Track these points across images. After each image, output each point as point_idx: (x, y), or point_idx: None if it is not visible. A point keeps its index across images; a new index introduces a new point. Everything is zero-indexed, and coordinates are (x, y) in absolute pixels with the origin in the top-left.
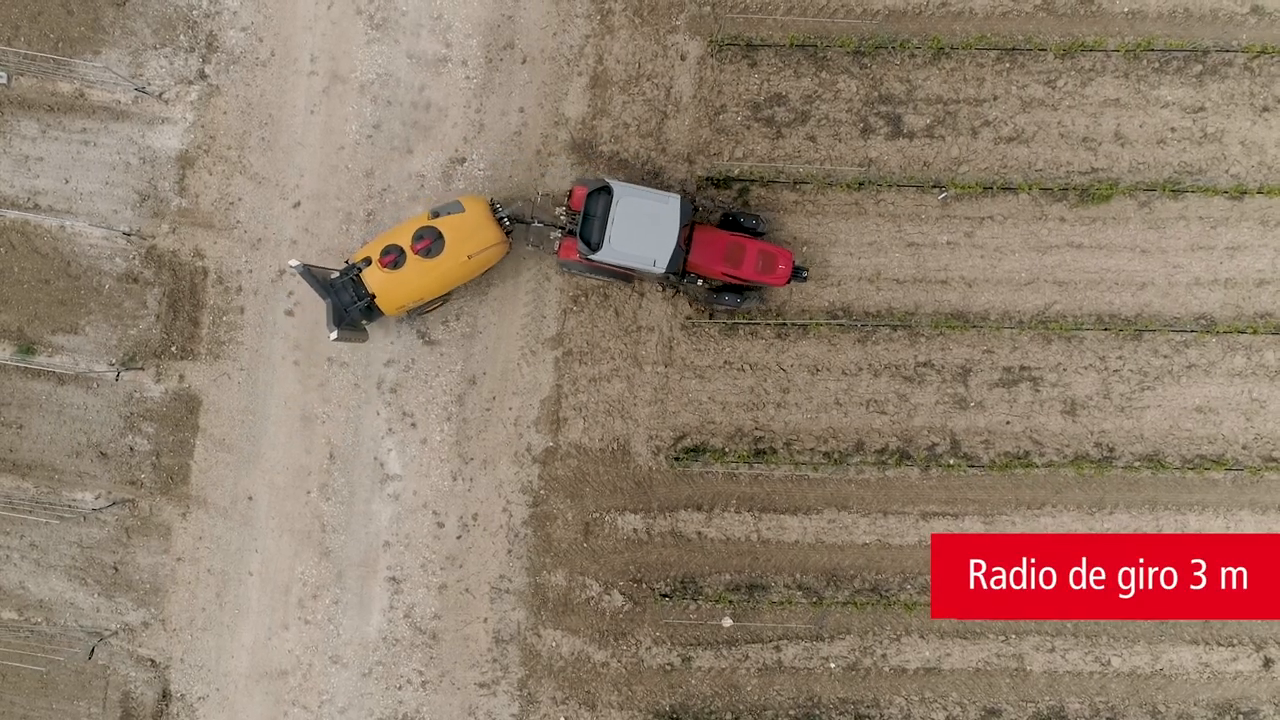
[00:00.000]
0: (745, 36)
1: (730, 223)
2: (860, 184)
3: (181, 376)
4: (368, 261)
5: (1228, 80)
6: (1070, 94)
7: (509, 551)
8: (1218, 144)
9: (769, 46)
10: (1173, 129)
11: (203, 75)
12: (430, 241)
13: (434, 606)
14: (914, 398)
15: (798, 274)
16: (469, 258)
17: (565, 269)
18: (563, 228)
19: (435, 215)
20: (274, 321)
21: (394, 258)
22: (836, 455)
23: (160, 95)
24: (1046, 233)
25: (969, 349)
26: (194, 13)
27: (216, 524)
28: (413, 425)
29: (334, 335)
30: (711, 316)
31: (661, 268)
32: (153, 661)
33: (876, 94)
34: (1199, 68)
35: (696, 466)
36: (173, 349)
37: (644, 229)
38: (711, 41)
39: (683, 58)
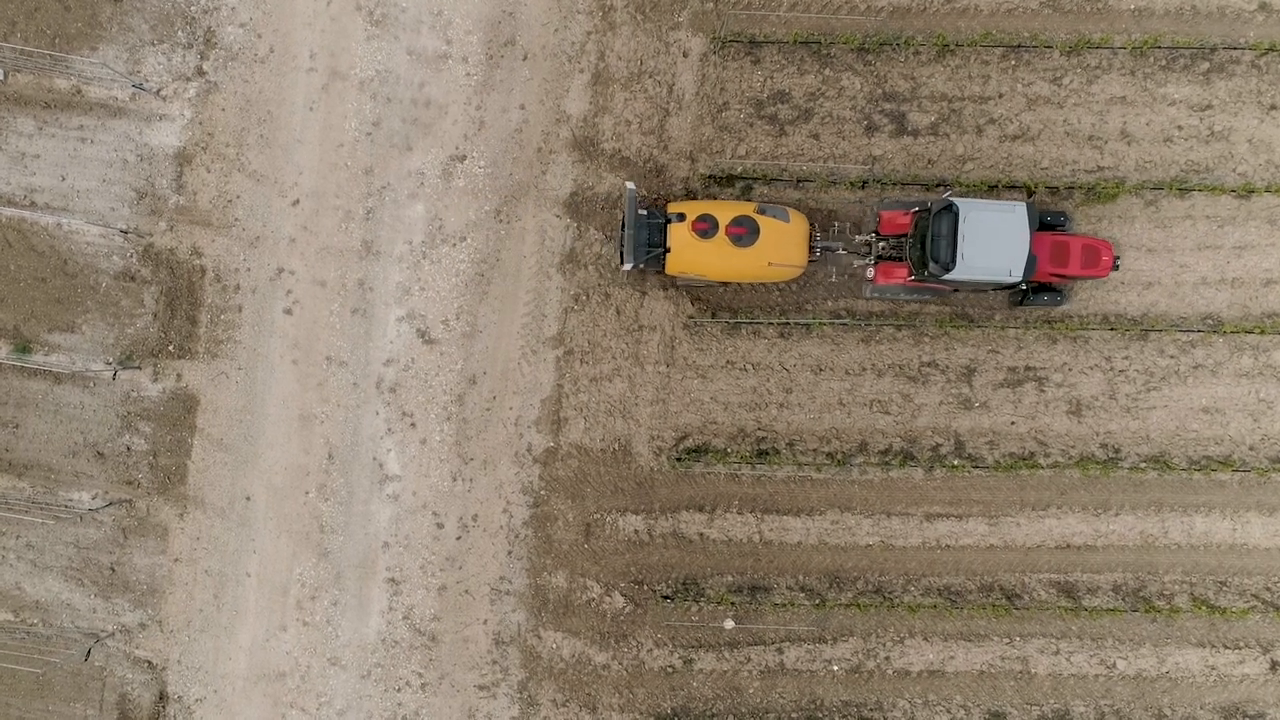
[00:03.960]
0: (748, 33)
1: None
2: (864, 182)
3: (179, 375)
4: (680, 217)
5: (1235, 78)
6: (1076, 92)
7: (509, 553)
8: (1225, 142)
9: (772, 43)
10: (1179, 127)
11: (201, 72)
12: (746, 231)
13: (433, 608)
14: (918, 398)
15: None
16: (769, 264)
17: (881, 294)
18: (877, 255)
19: (761, 211)
20: (272, 320)
21: (707, 227)
22: (840, 456)
23: (158, 92)
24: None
25: (973, 349)
26: (192, 9)
27: (214, 524)
28: (412, 425)
29: (629, 266)
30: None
31: (1018, 276)
32: (150, 663)
33: (881, 91)
34: (1206, 65)
35: (698, 467)
36: (170, 348)
37: (994, 241)
38: (714, 38)
39: (685, 54)
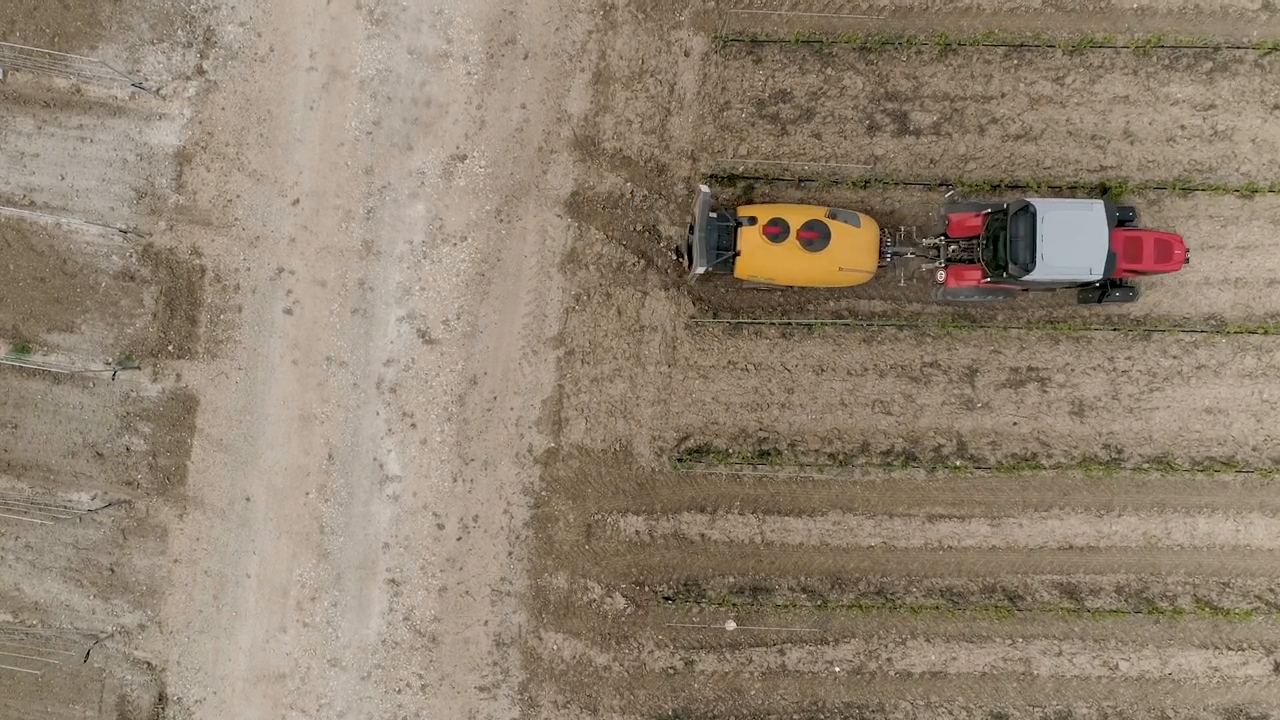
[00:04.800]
0: (750, 32)
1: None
2: (866, 182)
3: (178, 376)
4: (752, 220)
5: (1238, 77)
6: (1079, 91)
7: (510, 553)
8: (1228, 142)
9: (774, 42)
10: (1182, 126)
11: (201, 71)
12: (817, 236)
13: (434, 609)
14: (920, 398)
15: None
16: (839, 269)
17: (951, 297)
18: (946, 258)
19: (832, 216)
20: (272, 320)
21: (778, 231)
22: (842, 456)
23: (158, 91)
24: None
25: (976, 349)
26: (192, 7)
27: (214, 525)
28: (412, 425)
29: (702, 269)
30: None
31: (1098, 274)
32: (149, 664)
33: (883, 91)
34: (1209, 65)
35: (700, 468)
36: (170, 348)
37: (1072, 240)
38: (716, 37)
39: (687, 54)
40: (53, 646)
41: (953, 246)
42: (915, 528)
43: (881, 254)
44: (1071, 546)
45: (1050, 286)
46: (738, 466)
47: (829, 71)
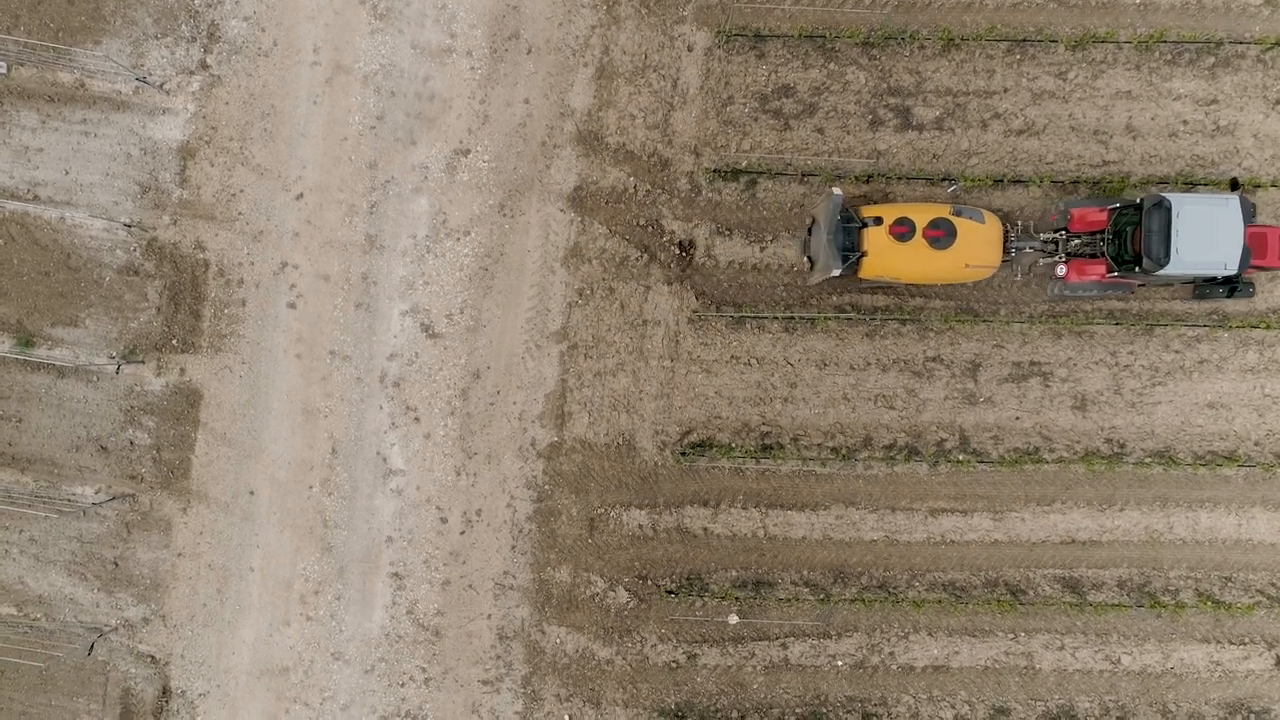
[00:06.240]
0: (753, 27)
1: None
2: (869, 176)
3: (182, 370)
4: (878, 221)
5: (1240, 72)
6: (1081, 86)
7: (513, 547)
8: (1230, 137)
9: (777, 37)
10: (1185, 122)
11: (204, 65)
12: (944, 234)
13: (437, 603)
14: (923, 393)
15: None
16: (966, 266)
17: (1069, 292)
18: (1067, 252)
19: (957, 213)
20: (276, 315)
21: (905, 230)
22: (844, 451)
23: (161, 86)
24: None
25: (978, 344)
26: (195, 2)
27: (217, 519)
28: (416, 419)
29: (837, 272)
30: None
31: (1233, 270)
32: (153, 658)
33: (886, 86)
34: (1211, 60)
35: (703, 462)
36: (173, 342)
37: (1207, 235)
38: (719, 32)
39: (690, 49)
40: (56, 640)
41: (1074, 241)
42: (918, 522)
43: (1005, 249)
44: (1074, 541)
45: (1173, 281)
46: (740, 461)
47: (832, 66)
